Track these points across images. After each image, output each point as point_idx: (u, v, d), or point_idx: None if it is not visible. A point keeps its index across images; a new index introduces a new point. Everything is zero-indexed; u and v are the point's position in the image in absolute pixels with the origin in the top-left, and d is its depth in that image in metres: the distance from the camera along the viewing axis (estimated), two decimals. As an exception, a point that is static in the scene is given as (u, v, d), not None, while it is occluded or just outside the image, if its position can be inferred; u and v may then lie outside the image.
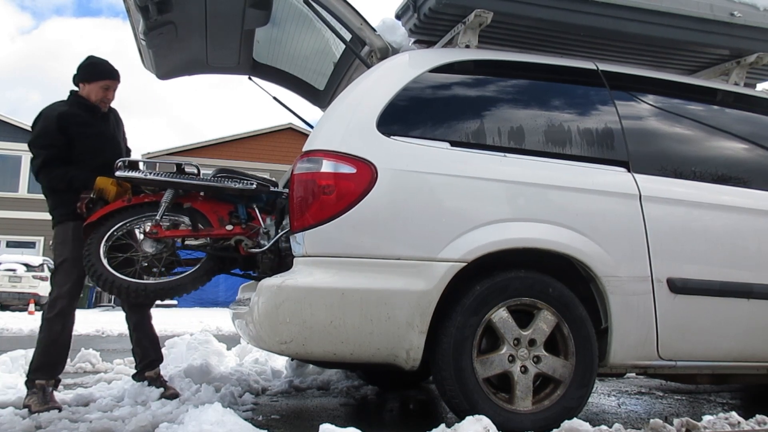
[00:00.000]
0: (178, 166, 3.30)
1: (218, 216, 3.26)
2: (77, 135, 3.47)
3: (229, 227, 3.19)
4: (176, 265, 3.27)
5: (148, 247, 3.19)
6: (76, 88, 3.61)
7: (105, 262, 3.11)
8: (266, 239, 3.10)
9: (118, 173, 3.22)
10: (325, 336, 2.51)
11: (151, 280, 3.14)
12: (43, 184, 3.47)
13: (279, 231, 3.07)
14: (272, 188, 3.32)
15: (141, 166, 3.33)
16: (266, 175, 3.85)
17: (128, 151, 3.89)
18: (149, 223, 3.21)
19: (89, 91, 3.56)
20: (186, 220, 3.28)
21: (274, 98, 3.97)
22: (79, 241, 3.31)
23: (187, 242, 3.34)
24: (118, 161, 3.27)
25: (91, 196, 3.29)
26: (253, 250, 3.08)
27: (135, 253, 3.20)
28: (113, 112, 3.77)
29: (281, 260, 2.97)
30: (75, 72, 3.60)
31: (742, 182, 3.17)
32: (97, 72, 3.58)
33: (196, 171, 3.30)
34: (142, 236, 3.24)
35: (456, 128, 2.85)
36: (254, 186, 3.23)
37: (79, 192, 3.37)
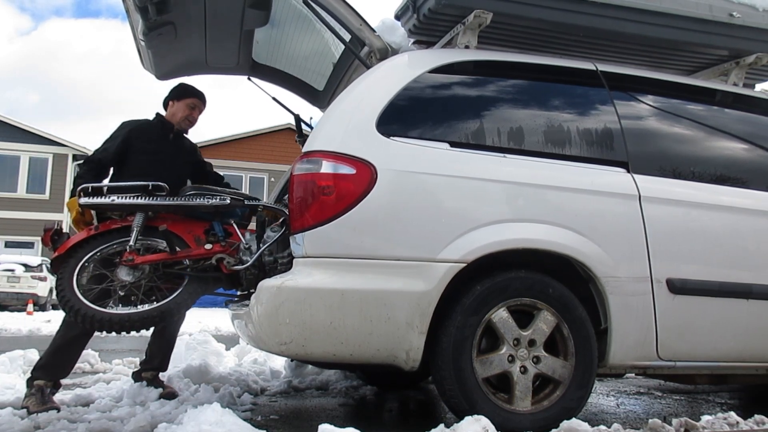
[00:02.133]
0: (145, 187, 3.14)
1: (194, 235, 3.14)
2: (137, 149, 3.59)
3: (208, 246, 3.07)
4: (156, 291, 3.12)
5: (125, 276, 3.02)
6: (162, 112, 3.81)
7: (81, 295, 2.94)
8: (248, 255, 3.02)
9: (81, 201, 3.10)
10: (325, 337, 2.51)
11: (134, 309, 2.95)
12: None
13: (261, 245, 2.99)
14: (246, 201, 3.20)
15: (106, 190, 3.17)
16: (265, 176, 3.85)
17: (215, 178, 3.99)
18: (123, 250, 3.04)
19: (176, 108, 3.76)
20: (161, 243, 3.11)
21: (274, 99, 3.96)
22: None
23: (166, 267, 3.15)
24: (80, 187, 3.16)
25: (55, 227, 3.17)
26: (236, 267, 2.99)
27: (112, 283, 3.05)
28: (190, 141, 3.94)
29: (265, 275, 2.87)
30: (166, 95, 3.82)
31: (742, 182, 3.18)
32: (186, 91, 3.81)
33: (164, 191, 3.15)
34: (117, 265, 3.05)
35: (455, 129, 2.85)
36: (228, 201, 3.11)
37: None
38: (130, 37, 3.68)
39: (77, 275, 3.00)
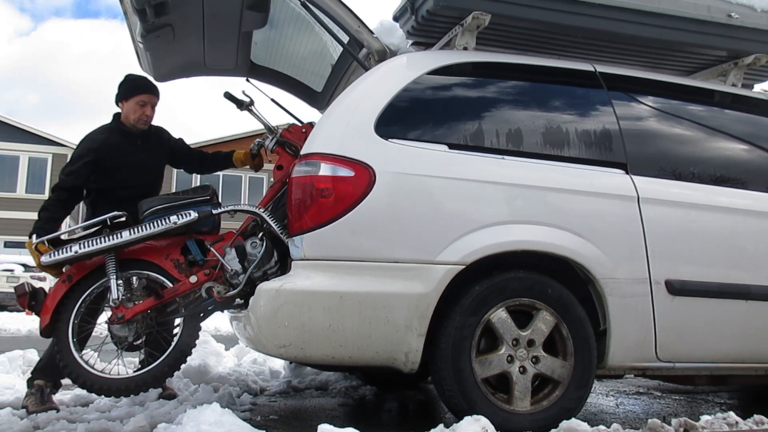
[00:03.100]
0: (104, 222, 2.94)
1: (172, 260, 2.96)
2: (114, 166, 3.38)
3: (193, 279, 2.89)
4: (154, 333, 2.98)
5: (121, 332, 2.88)
6: (119, 110, 3.55)
7: (86, 365, 2.86)
8: (235, 276, 2.86)
9: (43, 260, 2.83)
10: (324, 339, 2.51)
11: (145, 370, 2.89)
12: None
13: (245, 264, 2.86)
14: (214, 210, 2.98)
15: (65, 236, 2.99)
16: (264, 176, 3.77)
17: (190, 152, 3.83)
18: (108, 287, 2.86)
19: (127, 110, 3.48)
20: (142, 273, 2.95)
21: (272, 100, 3.96)
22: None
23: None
24: (35, 242, 2.91)
25: (27, 289, 2.92)
26: (229, 294, 2.86)
27: (110, 341, 2.94)
28: (156, 133, 3.66)
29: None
30: (116, 92, 3.54)
31: (740, 183, 3.18)
32: (132, 87, 3.51)
33: (124, 218, 2.96)
34: (108, 323, 2.89)
35: (454, 130, 2.85)
36: (195, 216, 2.89)
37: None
38: (129, 37, 3.68)
39: (73, 340, 2.87)
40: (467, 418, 2.48)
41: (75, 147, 3.46)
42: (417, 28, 3.13)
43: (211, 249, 2.96)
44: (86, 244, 2.84)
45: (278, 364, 4.73)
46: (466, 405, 2.58)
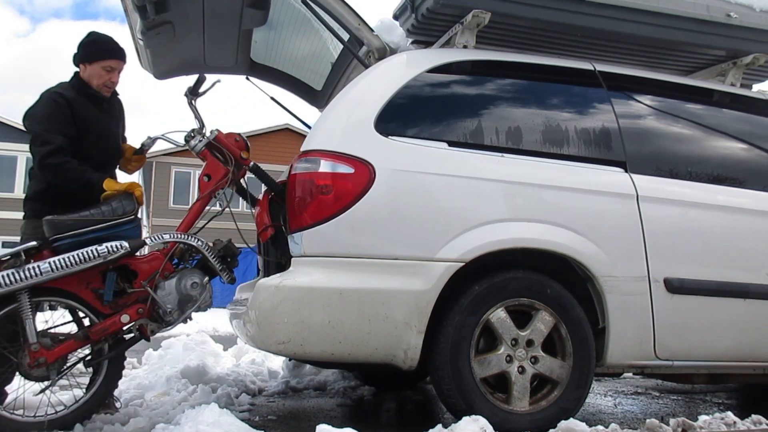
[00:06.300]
0: (17, 255, 2.59)
1: (93, 289, 2.71)
2: (83, 128, 3.05)
3: (125, 318, 2.68)
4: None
5: (39, 373, 2.64)
6: (77, 69, 3.19)
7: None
8: (167, 300, 2.70)
9: None
10: (323, 336, 2.51)
11: (72, 408, 2.72)
12: (50, 172, 2.95)
13: (182, 302, 2.72)
14: (148, 242, 2.77)
15: None
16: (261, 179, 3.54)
17: (124, 141, 3.41)
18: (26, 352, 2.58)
19: (90, 73, 3.13)
20: (57, 300, 2.73)
21: (272, 98, 3.96)
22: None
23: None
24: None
25: None
26: (163, 329, 2.75)
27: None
28: (116, 100, 3.35)
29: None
30: (75, 50, 3.17)
31: (739, 182, 3.18)
32: (99, 50, 3.14)
33: (36, 246, 2.65)
34: (28, 367, 2.61)
35: (454, 128, 2.85)
36: (128, 249, 2.63)
37: (92, 190, 2.92)
38: (128, 37, 3.67)
39: None
40: (466, 418, 2.48)
41: (34, 114, 3.02)
42: (417, 26, 3.14)
43: (147, 288, 2.72)
44: None
45: (276, 365, 4.72)
46: (465, 405, 2.58)
